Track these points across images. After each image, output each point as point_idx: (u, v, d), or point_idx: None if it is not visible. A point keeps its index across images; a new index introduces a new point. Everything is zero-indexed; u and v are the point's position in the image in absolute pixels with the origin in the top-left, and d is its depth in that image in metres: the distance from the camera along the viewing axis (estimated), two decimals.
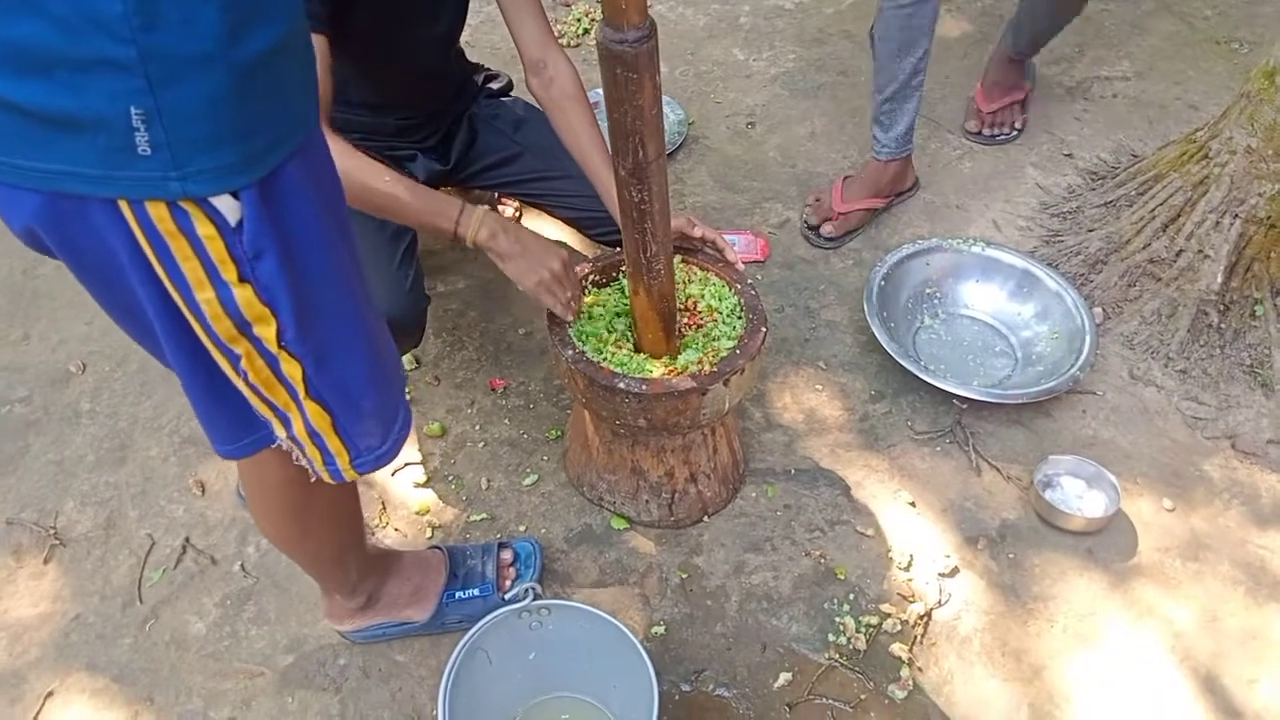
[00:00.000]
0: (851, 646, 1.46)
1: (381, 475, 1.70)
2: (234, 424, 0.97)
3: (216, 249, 0.75)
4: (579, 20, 3.00)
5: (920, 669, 1.44)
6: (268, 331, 0.82)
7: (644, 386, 1.35)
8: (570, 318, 1.43)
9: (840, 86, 2.72)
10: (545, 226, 2.22)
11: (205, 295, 0.78)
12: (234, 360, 0.84)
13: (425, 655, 1.46)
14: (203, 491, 1.69)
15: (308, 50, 0.79)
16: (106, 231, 0.74)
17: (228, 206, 0.73)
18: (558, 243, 1.46)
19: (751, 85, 2.73)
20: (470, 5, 1.68)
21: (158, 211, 0.72)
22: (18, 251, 2.20)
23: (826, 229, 2.16)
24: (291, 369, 0.86)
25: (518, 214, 2.23)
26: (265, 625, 1.50)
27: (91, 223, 0.73)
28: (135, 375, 1.89)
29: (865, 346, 1.93)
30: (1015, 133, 2.46)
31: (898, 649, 1.45)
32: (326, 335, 0.87)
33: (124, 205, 0.71)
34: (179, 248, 0.74)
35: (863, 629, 1.48)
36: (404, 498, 1.68)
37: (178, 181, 0.70)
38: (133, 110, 0.66)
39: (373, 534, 1.60)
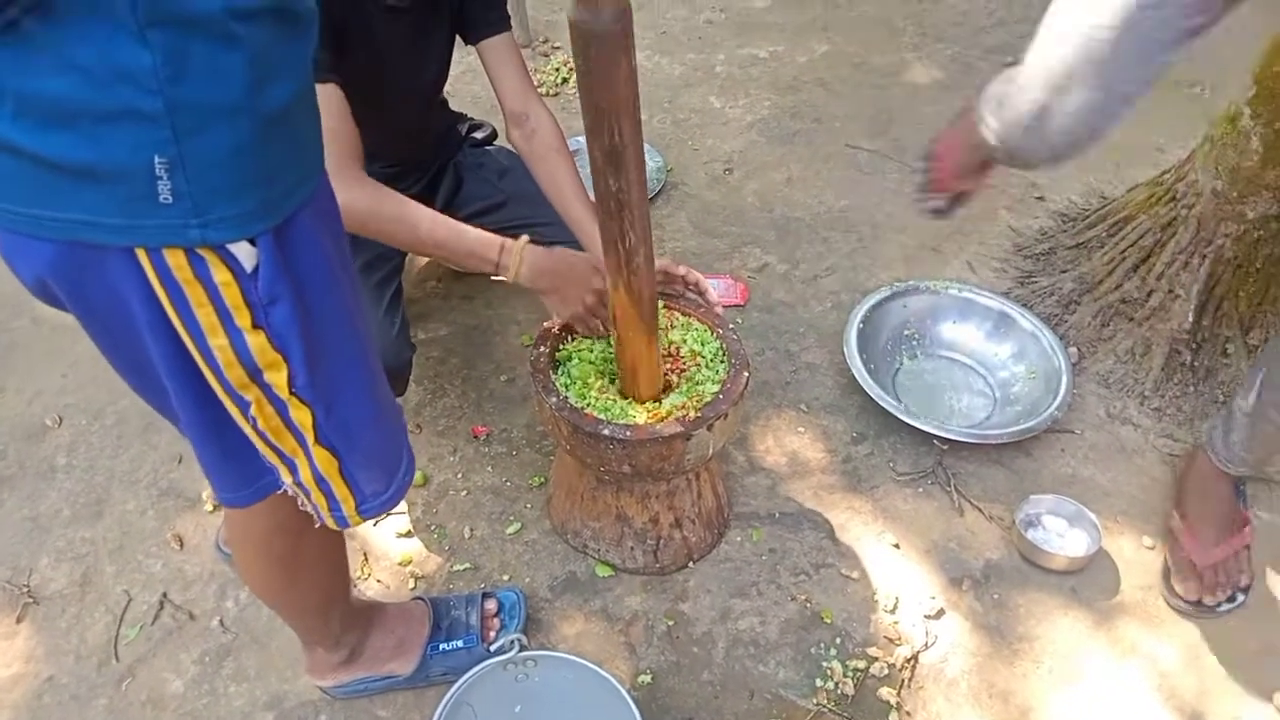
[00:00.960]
0: (839, 691, 1.45)
1: (363, 526, 1.68)
2: (240, 472, 0.97)
3: (232, 295, 0.76)
4: (558, 69, 3.04)
5: (909, 713, 1.43)
6: (279, 378, 0.83)
7: (628, 433, 1.35)
8: (602, 332, 1.47)
9: (815, 133, 2.77)
10: None
11: (219, 342, 0.78)
12: (244, 407, 0.85)
13: (408, 710, 1.43)
14: (181, 545, 1.66)
15: (315, 104, 0.81)
16: (121, 281, 0.74)
17: (244, 253, 0.74)
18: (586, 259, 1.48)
19: (728, 132, 2.78)
20: (452, 56, 1.71)
21: (175, 259, 0.73)
22: None
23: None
24: (301, 415, 0.87)
25: None
26: (245, 682, 1.47)
27: (106, 272, 0.74)
28: (112, 429, 1.87)
29: (845, 388, 1.94)
30: (1243, 597, 1.56)
31: (886, 693, 1.44)
32: (334, 379, 0.88)
33: (141, 254, 0.72)
34: (194, 295, 0.75)
35: (850, 673, 1.47)
36: (386, 548, 1.67)
37: (198, 229, 0.71)
38: (156, 159, 0.67)
39: (355, 585, 1.58)
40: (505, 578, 1.61)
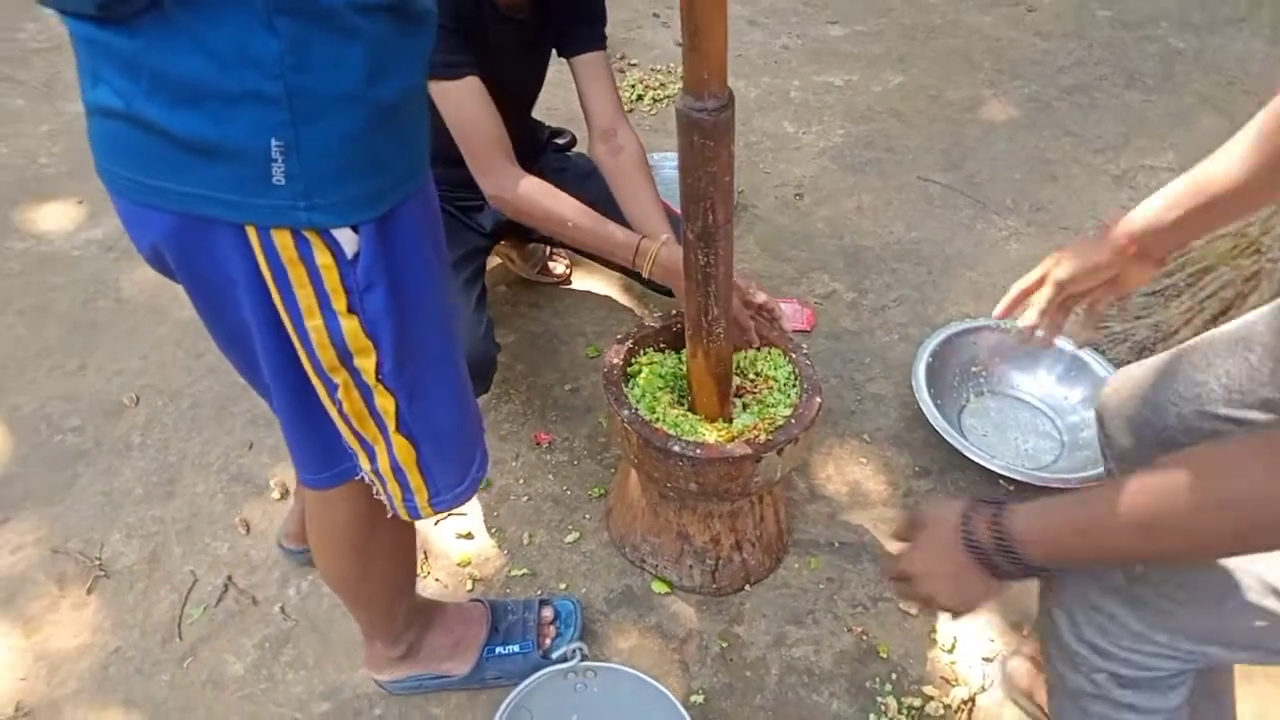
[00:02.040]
0: None
1: (424, 525, 1.70)
2: (323, 453, 0.99)
3: (331, 279, 0.78)
4: (633, 86, 3.08)
5: None
6: (368, 364, 0.85)
7: (698, 450, 1.36)
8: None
9: (887, 163, 2.76)
10: (596, 282, 2.26)
11: (314, 323, 0.81)
12: (331, 390, 0.87)
13: (462, 710, 1.45)
14: (248, 531, 1.70)
15: (424, 103, 0.84)
16: (229, 255, 0.78)
17: (347, 239, 0.77)
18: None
19: (800, 157, 2.78)
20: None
21: (282, 239, 0.76)
22: (79, 283, 2.25)
23: None
24: (385, 402, 0.89)
25: (569, 271, 2.27)
26: (303, 670, 1.50)
27: (216, 246, 0.77)
28: (187, 411, 1.92)
29: (910, 421, 1.93)
30: None
31: None
32: (421, 372, 0.90)
33: (251, 231, 0.75)
34: (296, 274, 0.78)
35: (905, 710, 1.45)
36: (446, 548, 1.68)
37: (305, 211, 0.74)
38: (273, 142, 0.70)
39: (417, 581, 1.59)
40: (562, 586, 1.62)
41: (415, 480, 0.98)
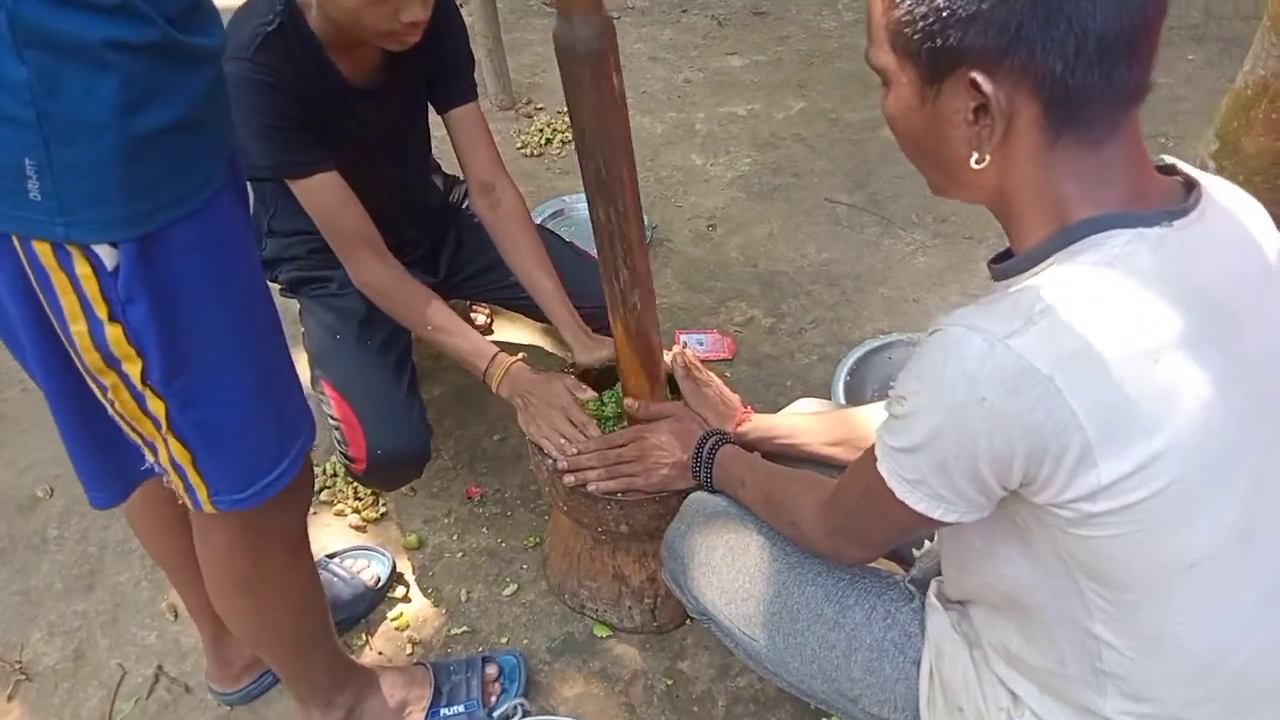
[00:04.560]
0: None
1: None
2: (105, 458, 1.00)
3: (91, 288, 0.81)
4: (541, 130, 3.10)
5: None
6: (134, 369, 0.87)
7: (626, 494, 1.37)
8: (559, 458, 1.42)
9: (794, 188, 2.84)
10: (518, 331, 2.27)
11: (78, 328, 0.83)
12: (102, 389, 0.89)
13: None
14: (175, 616, 1.65)
15: (210, 131, 0.86)
16: None
17: (105, 253, 0.80)
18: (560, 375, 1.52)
19: (710, 189, 2.84)
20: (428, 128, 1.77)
21: (42, 249, 0.79)
22: None
23: None
24: (156, 406, 0.90)
25: (489, 321, 2.28)
26: None
27: None
28: None
29: None
30: None
31: None
32: (196, 383, 0.91)
33: (15, 239, 0.79)
34: (59, 281, 0.81)
35: None
36: (382, 612, 1.66)
37: (62, 227, 0.77)
38: (26, 161, 0.74)
39: (354, 653, 1.57)
40: (503, 640, 1.61)
41: (194, 479, 0.99)
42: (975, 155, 0.78)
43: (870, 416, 1.29)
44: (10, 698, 1.54)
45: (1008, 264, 0.82)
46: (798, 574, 1.15)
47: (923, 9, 0.75)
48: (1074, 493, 0.73)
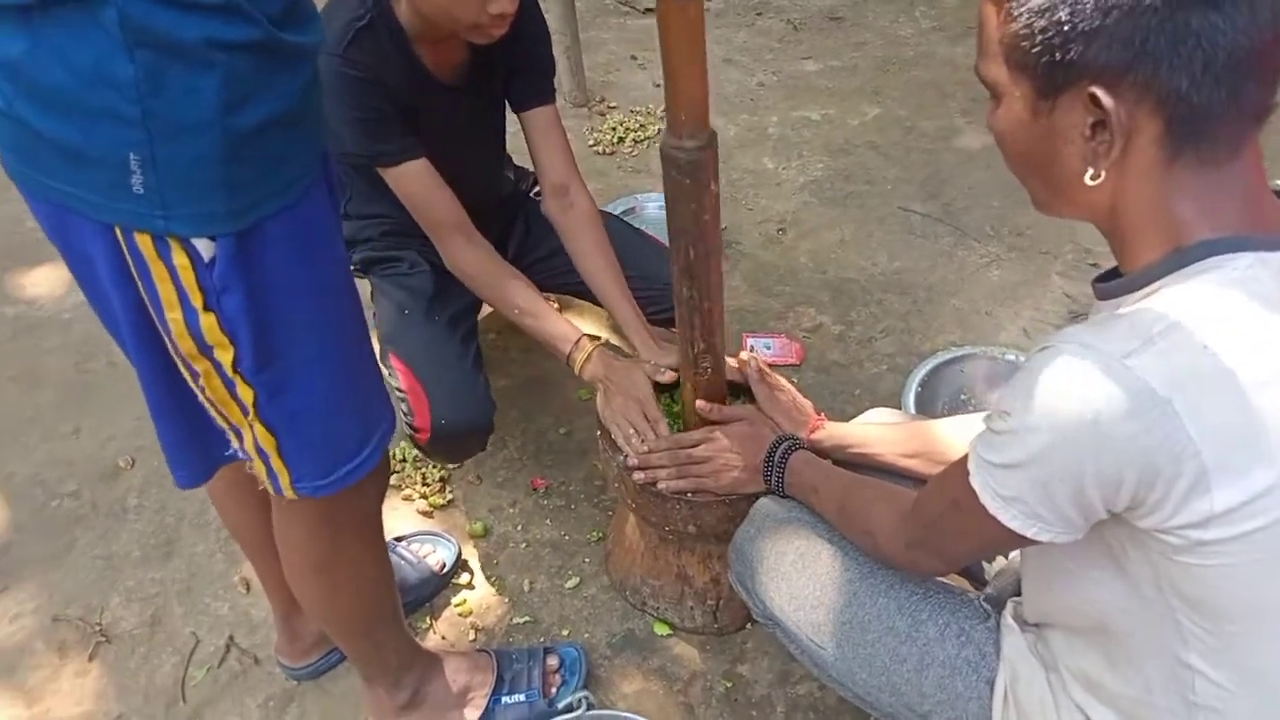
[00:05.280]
0: None
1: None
2: (191, 439, 1.03)
3: (188, 278, 0.84)
4: (614, 129, 3.12)
5: None
6: (226, 357, 0.89)
7: (696, 494, 1.37)
8: (630, 455, 1.43)
9: (867, 195, 2.81)
10: (586, 324, 2.28)
11: (174, 315, 0.86)
12: (194, 375, 0.92)
13: None
14: (248, 589, 1.70)
15: (307, 129, 0.88)
16: (98, 246, 0.84)
17: (203, 245, 0.83)
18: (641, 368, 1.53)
19: (781, 193, 2.83)
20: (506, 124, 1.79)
21: (143, 240, 0.81)
22: (70, 347, 2.26)
23: None
24: (245, 393, 0.93)
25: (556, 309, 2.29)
26: None
27: (87, 236, 0.83)
28: None
29: None
30: None
31: None
32: (286, 374, 0.94)
33: (117, 229, 0.81)
34: (157, 271, 0.83)
35: None
36: (447, 597, 1.69)
37: (162, 220, 0.80)
38: (131, 156, 0.76)
39: (418, 636, 1.60)
40: (564, 632, 1.63)
41: (277, 464, 1.01)
42: (1090, 172, 0.77)
43: (949, 430, 1.28)
44: (91, 658, 1.60)
45: (1115, 283, 0.81)
46: (869, 584, 1.14)
47: (1043, 22, 0.74)
48: (1184, 519, 0.71)
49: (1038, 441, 0.75)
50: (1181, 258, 0.75)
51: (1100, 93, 0.73)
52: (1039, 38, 0.74)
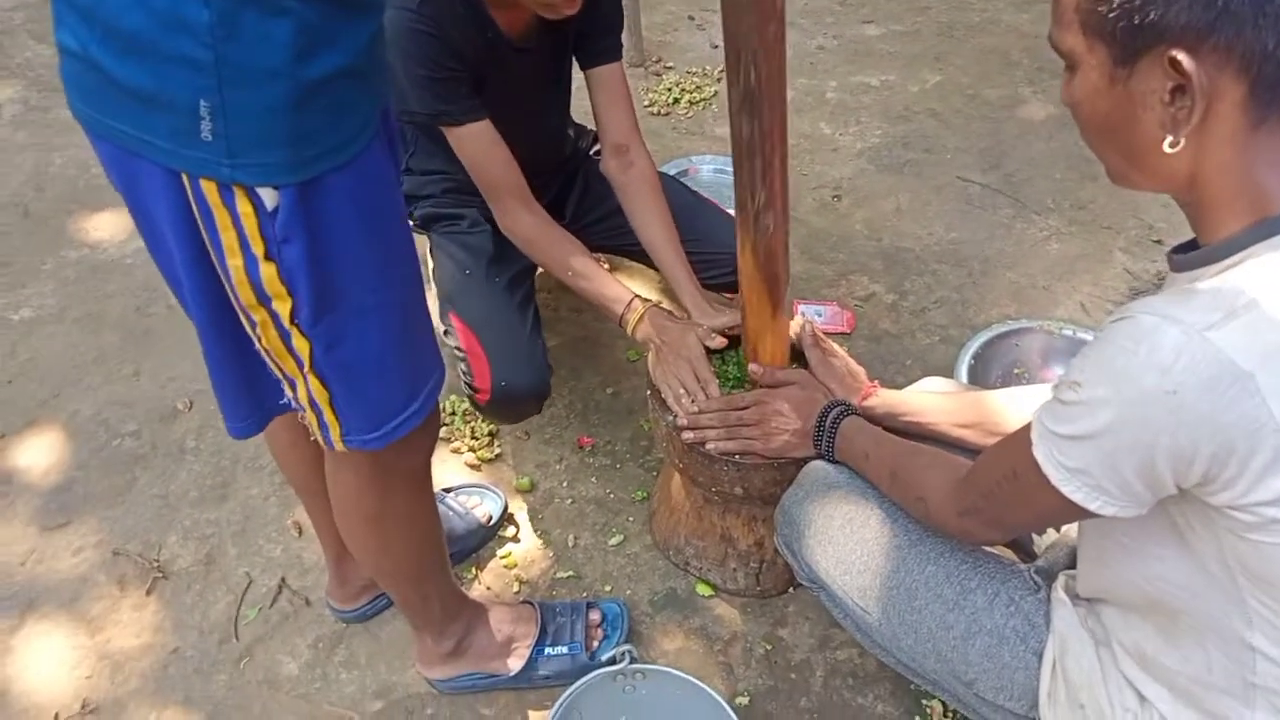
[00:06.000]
0: None
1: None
2: (246, 389, 1.04)
3: (251, 226, 0.84)
4: (669, 89, 3.09)
5: None
6: (284, 308, 0.90)
7: (744, 456, 1.37)
8: (680, 415, 1.43)
9: (925, 164, 2.76)
10: (636, 285, 2.28)
11: (235, 262, 0.87)
12: (251, 324, 0.93)
13: (510, 711, 1.47)
14: (300, 533, 1.74)
15: (370, 81, 0.88)
16: (162, 192, 0.84)
17: (267, 195, 0.83)
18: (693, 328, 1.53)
19: (838, 159, 2.78)
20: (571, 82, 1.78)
21: (208, 186, 0.82)
22: (132, 291, 2.31)
23: None
24: (301, 344, 0.94)
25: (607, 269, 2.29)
26: (355, 670, 1.53)
27: (152, 181, 0.84)
28: None
29: None
30: None
31: None
32: (341, 326, 0.94)
33: (183, 175, 0.82)
34: (221, 218, 0.84)
35: (950, 713, 1.46)
36: (492, 549, 1.71)
37: (229, 168, 0.80)
38: (202, 102, 0.76)
39: (463, 586, 1.62)
40: (607, 589, 1.64)
41: (329, 417, 1.02)
42: (1169, 139, 0.75)
43: (1006, 402, 1.26)
44: (149, 592, 1.65)
45: (1194, 254, 0.79)
46: (918, 551, 1.13)
47: None
48: (1258, 496, 0.70)
49: (1108, 414, 0.73)
50: (1267, 228, 0.72)
51: (1181, 56, 0.70)
52: (1116, 1, 0.72)
